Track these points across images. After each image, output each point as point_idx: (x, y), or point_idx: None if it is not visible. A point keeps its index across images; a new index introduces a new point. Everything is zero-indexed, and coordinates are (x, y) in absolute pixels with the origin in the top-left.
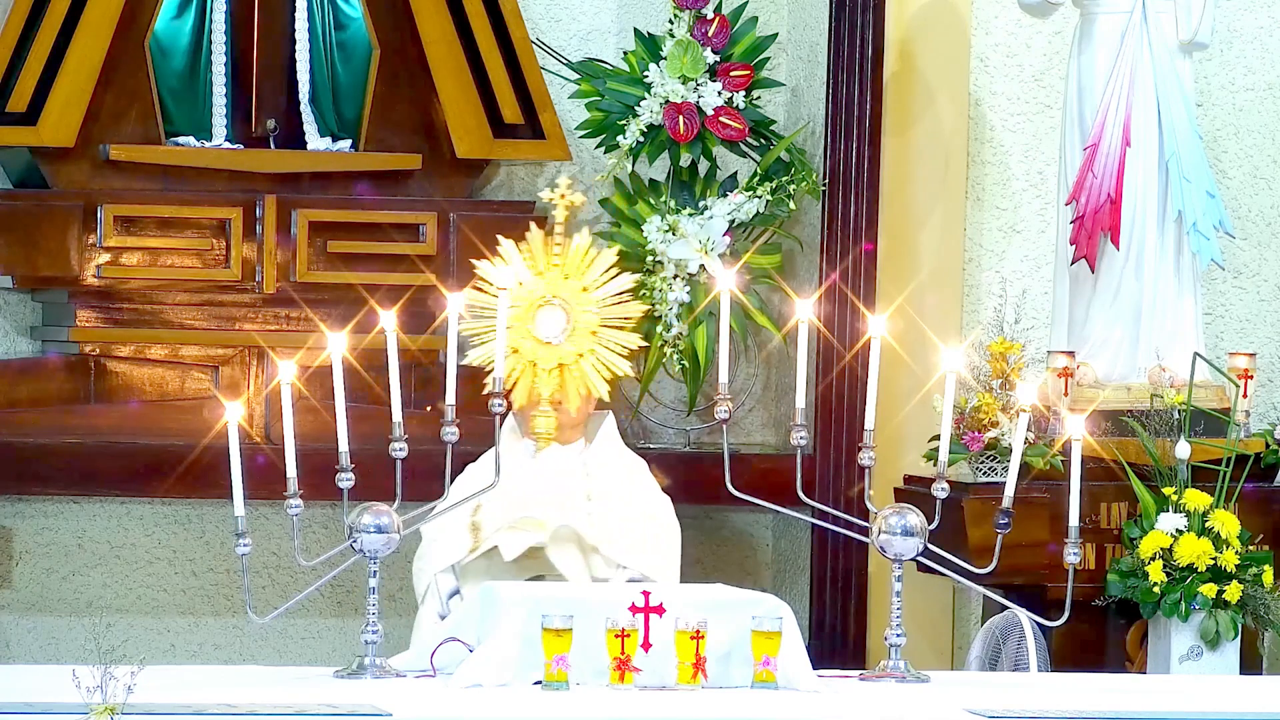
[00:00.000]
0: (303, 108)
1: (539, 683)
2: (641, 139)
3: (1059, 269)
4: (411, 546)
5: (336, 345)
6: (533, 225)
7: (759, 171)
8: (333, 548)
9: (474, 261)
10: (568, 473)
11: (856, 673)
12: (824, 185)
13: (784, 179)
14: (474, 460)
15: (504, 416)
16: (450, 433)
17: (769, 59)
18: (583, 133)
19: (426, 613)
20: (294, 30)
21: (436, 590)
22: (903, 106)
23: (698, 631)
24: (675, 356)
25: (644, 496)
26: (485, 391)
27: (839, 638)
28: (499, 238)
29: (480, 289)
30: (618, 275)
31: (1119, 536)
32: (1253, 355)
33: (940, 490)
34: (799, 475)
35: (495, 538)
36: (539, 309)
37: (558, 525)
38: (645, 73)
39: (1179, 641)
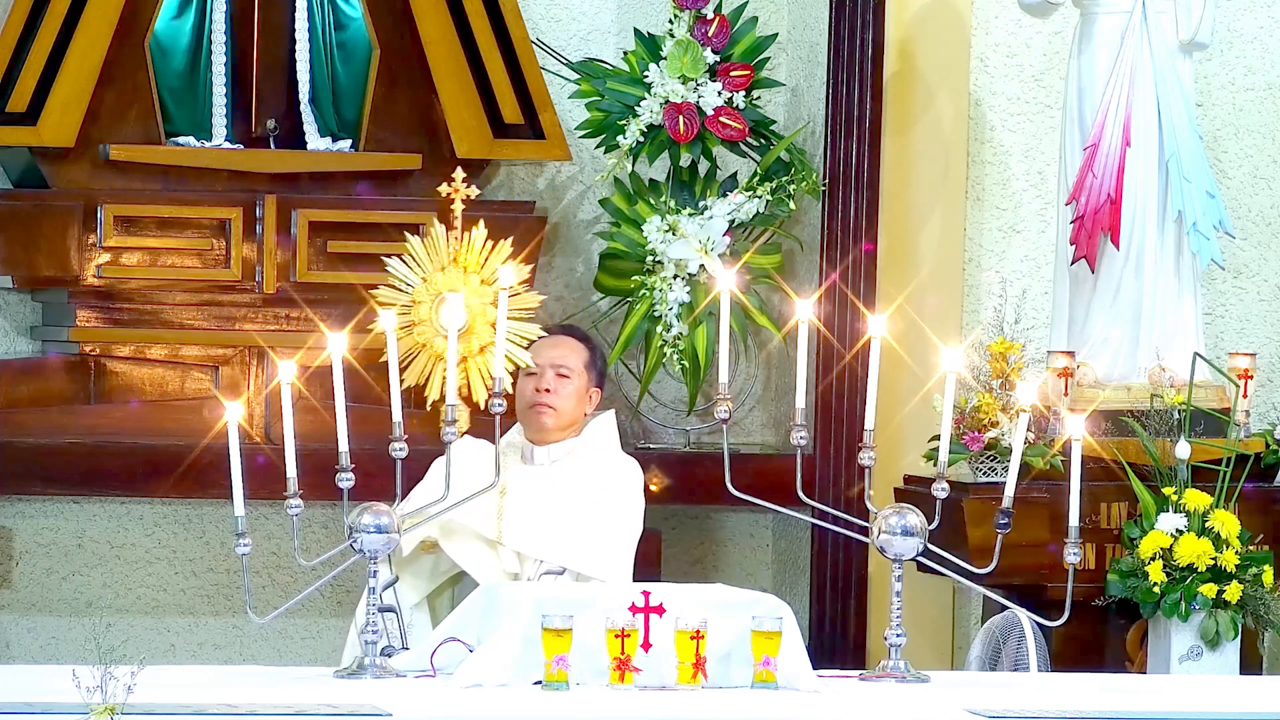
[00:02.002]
0: (303, 108)
1: (539, 683)
2: (641, 139)
3: (1059, 269)
4: None
5: (336, 345)
6: (433, 220)
7: (759, 171)
8: (333, 548)
9: (384, 258)
10: (476, 465)
11: (856, 673)
12: (824, 185)
13: (784, 179)
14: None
15: (505, 417)
16: (450, 433)
17: (769, 59)
18: (583, 133)
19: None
20: (294, 30)
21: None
22: (903, 106)
23: (698, 631)
24: (675, 356)
25: (606, 491)
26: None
27: (839, 638)
28: (405, 234)
29: (393, 285)
30: (513, 267)
31: (1119, 536)
32: (1253, 355)
33: (940, 490)
34: (799, 475)
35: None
36: (440, 304)
37: (446, 520)
38: (645, 73)
39: (1179, 641)
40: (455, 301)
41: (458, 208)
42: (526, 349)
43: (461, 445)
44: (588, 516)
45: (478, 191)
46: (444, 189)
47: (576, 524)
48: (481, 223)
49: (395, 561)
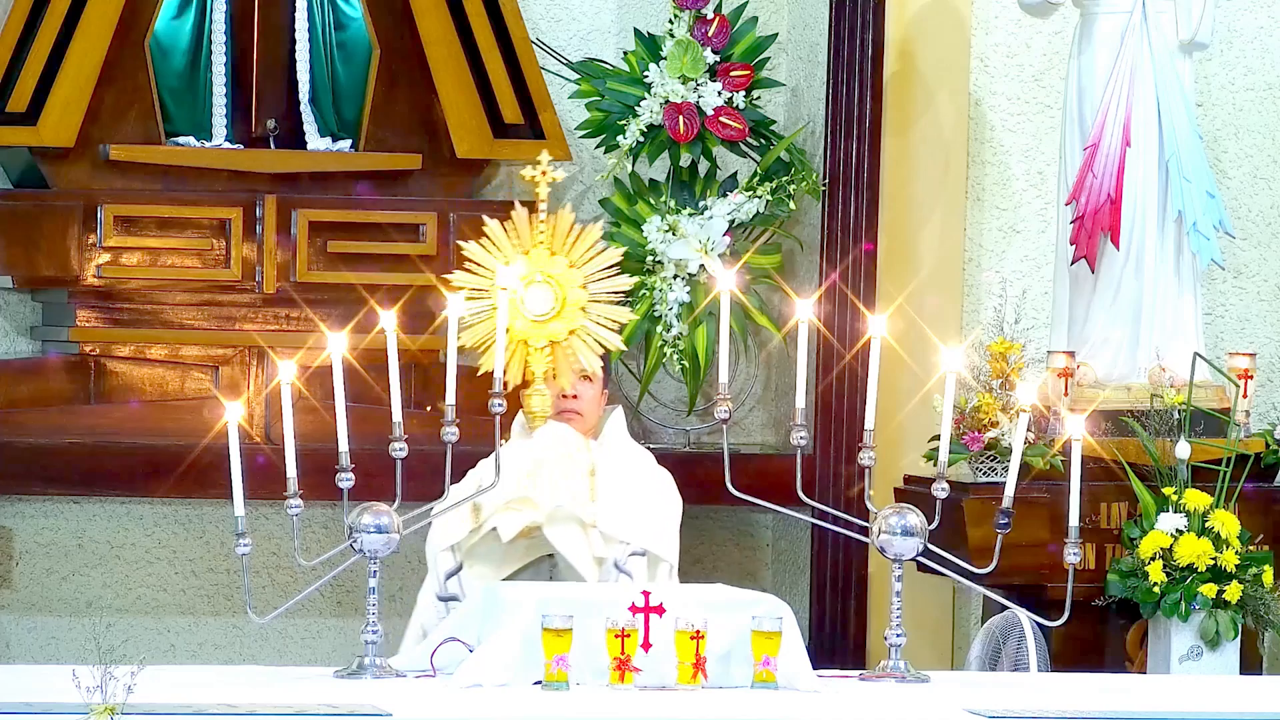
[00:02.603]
0: (303, 108)
1: (539, 683)
2: (641, 139)
3: (1059, 269)
4: (412, 547)
5: (336, 345)
6: (517, 204)
7: (759, 171)
8: (333, 548)
9: (461, 244)
10: (567, 448)
11: (856, 673)
12: (824, 185)
13: (784, 179)
14: (479, 458)
15: (506, 416)
16: (450, 433)
17: (769, 59)
18: (583, 133)
19: (424, 591)
20: (294, 30)
21: (435, 569)
22: (903, 106)
23: (698, 631)
24: (675, 356)
25: (647, 474)
26: (481, 372)
27: (839, 638)
28: (484, 218)
29: (472, 270)
30: (604, 250)
31: (1119, 536)
32: (1253, 355)
33: (940, 490)
34: (799, 475)
35: (493, 519)
36: (528, 287)
37: (553, 506)
38: (645, 73)
39: (1179, 641)
40: (540, 292)
41: (543, 190)
42: (619, 333)
43: (548, 431)
44: (655, 502)
45: (564, 175)
46: (528, 171)
47: (652, 508)
48: (569, 205)
49: (463, 549)
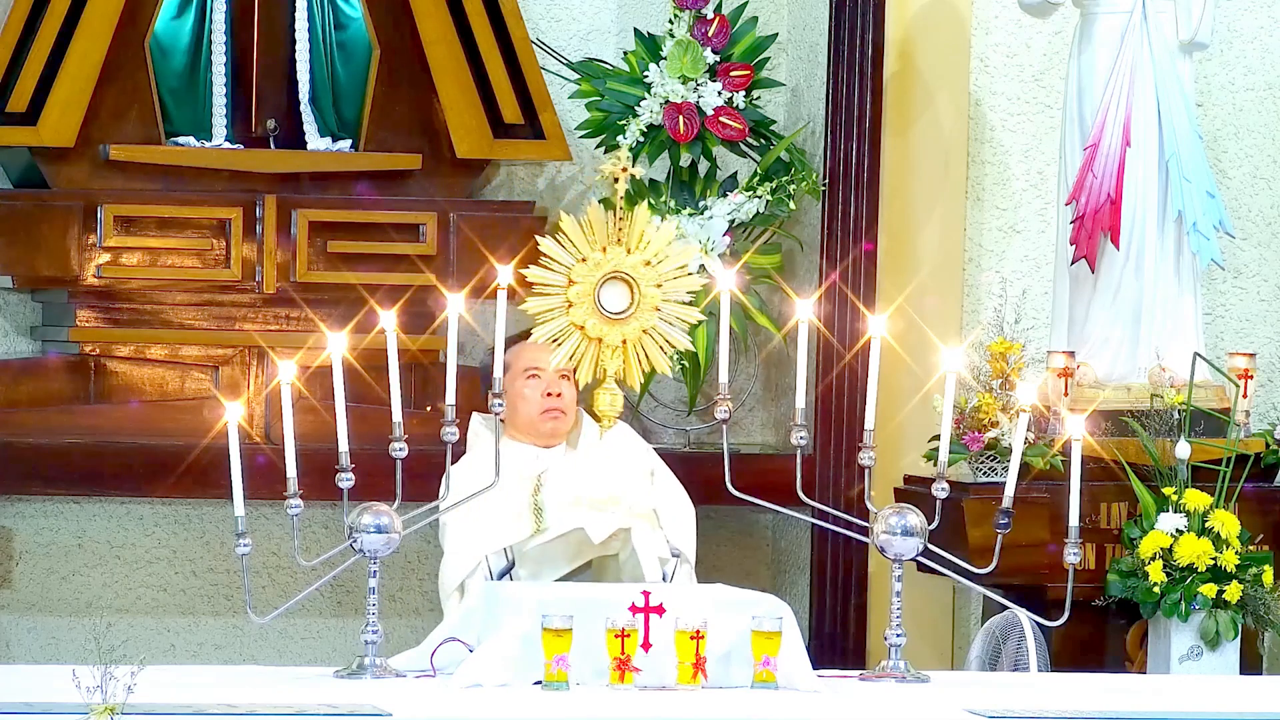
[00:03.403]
0: (303, 108)
1: (539, 683)
2: (641, 139)
3: (1059, 269)
4: (411, 547)
5: (336, 345)
6: (593, 200)
7: (759, 171)
8: (333, 548)
9: (538, 238)
10: (631, 451)
11: (856, 673)
12: (824, 185)
13: (784, 179)
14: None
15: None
16: (450, 433)
17: (769, 59)
18: (583, 133)
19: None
20: (294, 30)
21: (487, 568)
22: (903, 106)
23: (698, 631)
24: (675, 356)
25: (669, 477)
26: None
27: (839, 638)
28: (561, 214)
29: (546, 265)
30: (679, 249)
31: (1119, 536)
32: (1253, 355)
33: (940, 490)
34: (799, 475)
35: (579, 520)
36: (604, 284)
37: (643, 507)
38: (645, 73)
39: (1179, 641)
40: (616, 291)
41: (621, 186)
42: (690, 334)
43: (616, 432)
44: (682, 504)
45: (643, 170)
46: (608, 167)
47: (683, 510)
48: (647, 201)
49: (517, 551)
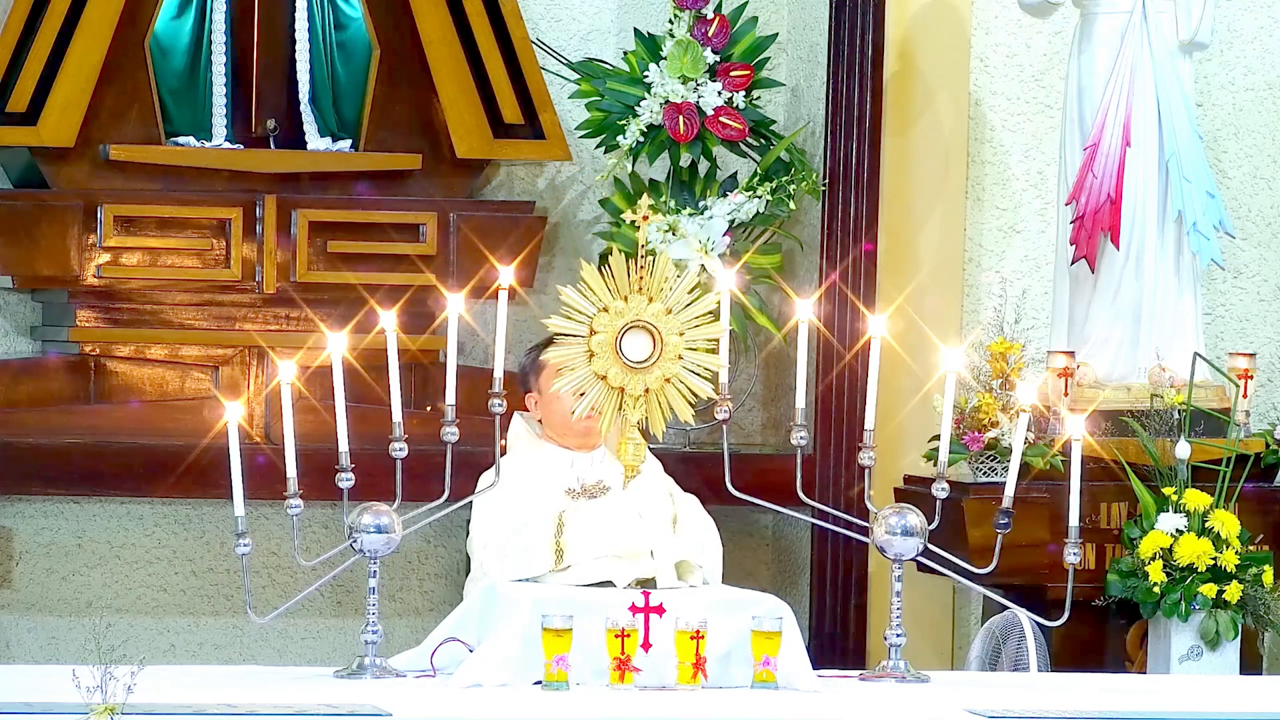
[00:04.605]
0: (303, 108)
1: (539, 683)
2: (641, 139)
3: (1059, 269)
4: (411, 547)
5: (336, 345)
6: (613, 249)
7: (759, 171)
8: (333, 548)
9: (560, 287)
10: (655, 502)
11: (856, 673)
12: (824, 185)
13: (784, 179)
14: (479, 458)
15: (506, 417)
16: (450, 433)
17: (769, 59)
18: (583, 133)
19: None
20: (294, 30)
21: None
22: (903, 106)
23: (698, 631)
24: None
25: (696, 510)
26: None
27: (839, 638)
28: (582, 262)
29: (568, 315)
30: (700, 296)
31: (1119, 536)
32: (1253, 355)
33: (940, 490)
34: (799, 475)
35: (606, 573)
36: (625, 333)
37: (672, 560)
38: (645, 73)
39: (1179, 641)
40: (639, 340)
41: (644, 235)
42: (711, 381)
43: (645, 484)
44: (711, 540)
45: (663, 217)
46: (629, 216)
47: (713, 546)
48: (668, 249)
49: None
